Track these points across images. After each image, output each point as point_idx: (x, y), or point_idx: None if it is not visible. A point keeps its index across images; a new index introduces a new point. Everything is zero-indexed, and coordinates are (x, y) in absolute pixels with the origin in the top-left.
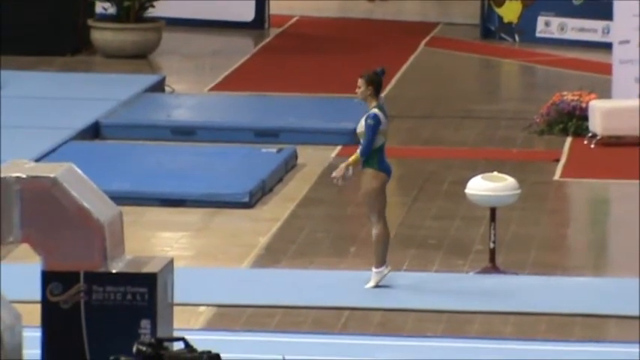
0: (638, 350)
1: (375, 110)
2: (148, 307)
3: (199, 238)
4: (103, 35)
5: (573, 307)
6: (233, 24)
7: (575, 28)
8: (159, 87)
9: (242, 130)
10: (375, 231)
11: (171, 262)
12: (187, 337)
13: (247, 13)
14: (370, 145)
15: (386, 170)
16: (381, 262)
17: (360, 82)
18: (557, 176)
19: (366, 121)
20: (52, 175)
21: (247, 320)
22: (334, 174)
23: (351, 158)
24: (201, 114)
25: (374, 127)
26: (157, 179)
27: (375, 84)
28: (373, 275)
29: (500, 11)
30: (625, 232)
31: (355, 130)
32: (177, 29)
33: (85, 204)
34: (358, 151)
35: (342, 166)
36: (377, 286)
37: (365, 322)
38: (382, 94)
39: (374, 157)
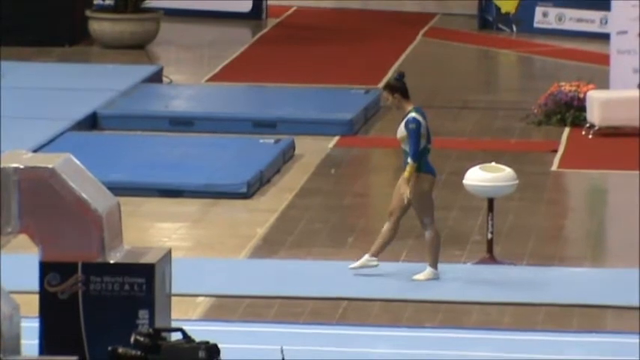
0: (636, 340)
1: (414, 114)
2: (145, 298)
3: (197, 228)
4: (100, 26)
5: (571, 297)
6: (231, 14)
7: (573, 19)
8: (157, 77)
9: (240, 121)
10: (429, 234)
11: (169, 253)
12: (185, 327)
13: (245, 4)
14: (417, 148)
15: (431, 172)
16: (435, 264)
17: (385, 94)
18: (554, 167)
19: (407, 126)
20: (50, 166)
21: (245, 311)
22: (404, 194)
23: (407, 171)
24: (199, 105)
25: (417, 130)
26: (155, 170)
27: (399, 89)
28: (427, 271)
29: (497, 2)
30: (623, 223)
31: (351, 120)
32: (175, 20)
33: (83, 194)
34: (409, 160)
35: (404, 183)
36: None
37: (363, 312)
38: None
39: (419, 160)
